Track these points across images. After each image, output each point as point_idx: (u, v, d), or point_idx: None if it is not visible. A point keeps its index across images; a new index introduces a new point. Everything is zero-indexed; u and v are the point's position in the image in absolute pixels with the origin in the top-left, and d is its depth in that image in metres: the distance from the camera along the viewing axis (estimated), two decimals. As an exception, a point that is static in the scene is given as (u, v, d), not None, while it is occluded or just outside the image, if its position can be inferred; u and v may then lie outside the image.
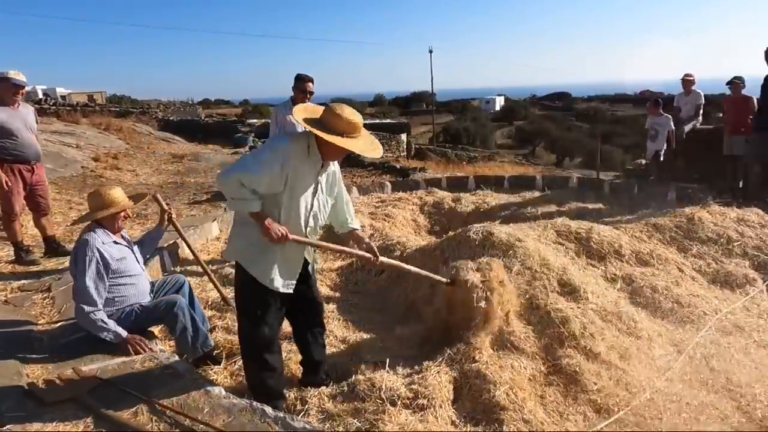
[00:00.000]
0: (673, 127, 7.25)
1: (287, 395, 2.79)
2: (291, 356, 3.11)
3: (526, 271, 3.74)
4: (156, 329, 3.23)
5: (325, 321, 3.11)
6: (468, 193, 7.35)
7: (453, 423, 2.57)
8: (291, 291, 2.56)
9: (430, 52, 38.29)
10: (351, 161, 10.33)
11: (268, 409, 2.29)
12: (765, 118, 5.86)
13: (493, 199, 7.06)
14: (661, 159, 7.35)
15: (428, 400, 2.61)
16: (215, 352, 3.19)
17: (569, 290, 3.66)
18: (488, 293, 3.11)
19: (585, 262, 4.37)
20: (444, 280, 3.17)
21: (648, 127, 7.48)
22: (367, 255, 2.66)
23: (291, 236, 2.37)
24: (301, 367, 3.00)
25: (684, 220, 5.12)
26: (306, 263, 2.66)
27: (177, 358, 2.77)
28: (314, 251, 2.76)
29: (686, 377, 3.21)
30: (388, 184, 8.15)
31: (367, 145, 2.43)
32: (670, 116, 7.31)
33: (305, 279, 2.70)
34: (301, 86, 5.49)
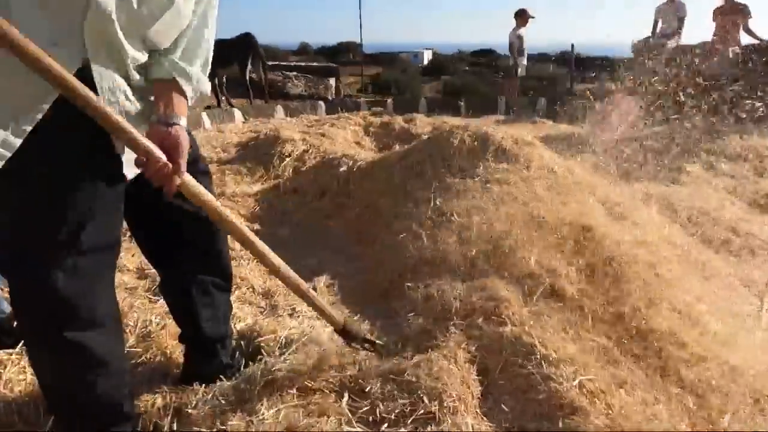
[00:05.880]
0: None
1: (152, 401, 1.36)
2: (167, 322, 1.64)
3: (552, 189, 2.47)
4: None
5: (231, 264, 1.57)
6: (422, 115, 6.00)
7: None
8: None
9: (359, -2, 35.88)
10: (278, 94, 8.81)
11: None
12: None
13: (454, 120, 5.76)
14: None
15: (440, 405, 1.29)
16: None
17: (612, 215, 2.45)
18: None
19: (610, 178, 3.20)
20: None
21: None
22: (157, 154, 1.02)
23: None
24: (183, 347, 1.57)
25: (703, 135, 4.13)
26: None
27: None
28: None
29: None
30: (322, 104, 6.58)
31: None
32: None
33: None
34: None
